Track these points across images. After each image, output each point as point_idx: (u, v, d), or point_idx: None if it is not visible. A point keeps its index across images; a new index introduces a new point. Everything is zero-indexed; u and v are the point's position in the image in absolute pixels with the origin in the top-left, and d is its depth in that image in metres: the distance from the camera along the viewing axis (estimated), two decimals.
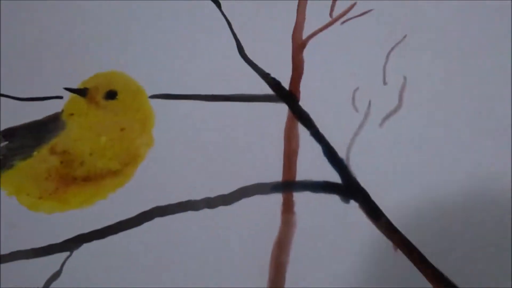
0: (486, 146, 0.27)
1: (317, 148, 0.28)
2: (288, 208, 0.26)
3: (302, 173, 0.27)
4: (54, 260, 0.25)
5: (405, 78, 0.29)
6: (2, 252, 0.25)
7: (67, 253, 0.25)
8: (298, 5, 0.33)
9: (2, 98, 0.30)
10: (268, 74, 0.30)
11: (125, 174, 0.27)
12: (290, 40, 0.31)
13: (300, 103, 0.29)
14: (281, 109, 0.29)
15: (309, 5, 0.33)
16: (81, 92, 0.30)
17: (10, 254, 0.25)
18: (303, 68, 0.30)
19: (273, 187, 0.26)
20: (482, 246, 0.24)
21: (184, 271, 0.25)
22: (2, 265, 0.25)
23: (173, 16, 0.33)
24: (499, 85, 0.28)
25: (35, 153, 0.28)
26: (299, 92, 0.30)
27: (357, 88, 0.29)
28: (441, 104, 0.28)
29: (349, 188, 0.26)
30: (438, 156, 0.27)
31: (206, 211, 0.26)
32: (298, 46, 0.31)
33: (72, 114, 0.29)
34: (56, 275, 0.25)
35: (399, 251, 0.25)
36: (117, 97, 0.30)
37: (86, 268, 0.25)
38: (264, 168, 0.27)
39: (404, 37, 0.30)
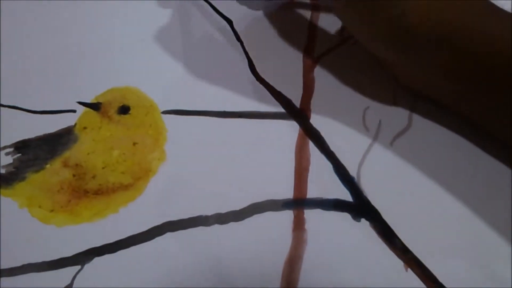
0: (496, 165, 0.27)
1: (328, 166, 0.28)
2: (299, 225, 0.26)
3: (313, 191, 0.27)
4: (65, 274, 0.25)
5: (414, 97, 0.29)
6: (13, 265, 0.25)
7: (78, 266, 0.25)
8: (309, 24, 0.33)
9: (16, 111, 0.30)
10: (279, 92, 0.31)
11: (137, 189, 0.28)
12: (301, 59, 0.32)
13: (311, 121, 0.29)
14: (292, 127, 0.29)
15: (320, 25, 0.33)
16: (95, 106, 0.30)
17: (21, 267, 0.25)
18: (314, 86, 0.31)
19: (284, 204, 0.27)
20: (494, 266, 0.25)
21: (194, 286, 0.25)
22: (13, 277, 0.25)
23: (186, 33, 0.33)
24: None
25: (47, 165, 0.28)
26: (310, 110, 0.30)
27: (368, 107, 0.30)
28: (451, 123, 0.28)
29: (360, 207, 0.26)
30: (448, 175, 0.27)
31: (217, 227, 0.26)
32: (309, 65, 0.32)
33: (85, 128, 0.30)
34: None
35: (410, 271, 0.25)
36: (130, 112, 0.30)
37: (97, 282, 0.25)
38: (275, 185, 0.27)
39: None
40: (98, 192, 0.28)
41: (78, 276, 0.25)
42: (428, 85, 0.27)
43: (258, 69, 0.32)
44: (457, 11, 0.23)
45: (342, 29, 0.33)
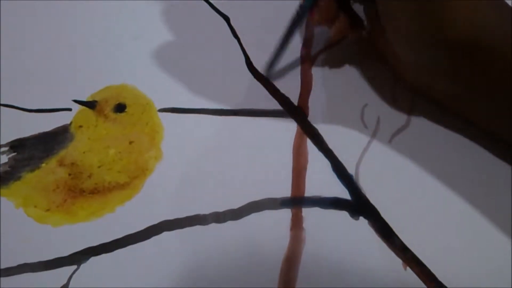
0: (494, 162, 0.27)
1: (326, 164, 0.28)
2: (297, 224, 0.26)
3: (311, 189, 0.27)
4: (62, 273, 0.25)
5: (413, 95, 0.29)
6: (9, 265, 0.25)
7: (75, 266, 0.25)
8: (307, 21, 0.33)
9: (12, 110, 0.30)
10: (277, 90, 0.30)
11: (133, 187, 0.27)
12: (299, 56, 0.32)
13: (309, 118, 0.29)
14: (290, 125, 0.29)
15: None
16: (90, 104, 0.30)
17: (18, 267, 0.25)
18: (312, 84, 0.31)
19: (282, 203, 0.26)
20: (494, 264, 0.24)
21: (192, 285, 0.25)
22: (9, 278, 0.25)
23: (183, 31, 0.33)
24: None
25: (43, 164, 0.28)
26: (307, 108, 0.30)
27: (366, 105, 0.29)
28: (449, 120, 0.28)
29: (358, 205, 0.26)
30: (447, 173, 0.27)
31: (214, 226, 0.26)
32: (307, 62, 0.31)
33: (81, 126, 0.29)
34: None
35: (409, 270, 0.24)
36: (126, 110, 0.30)
37: (94, 282, 0.25)
38: (273, 184, 0.27)
39: None
40: (94, 191, 0.27)
41: (74, 276, 0.25)
42: (434, 87, 0.27)
43: (255, 66, 0.31)
44: (498, 23, 0.23)
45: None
